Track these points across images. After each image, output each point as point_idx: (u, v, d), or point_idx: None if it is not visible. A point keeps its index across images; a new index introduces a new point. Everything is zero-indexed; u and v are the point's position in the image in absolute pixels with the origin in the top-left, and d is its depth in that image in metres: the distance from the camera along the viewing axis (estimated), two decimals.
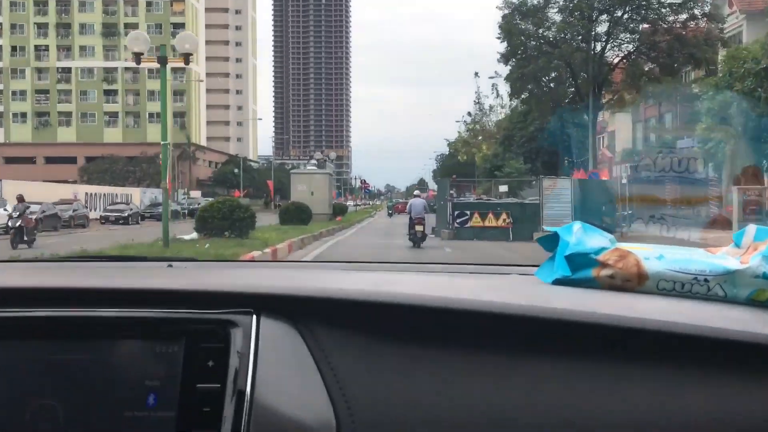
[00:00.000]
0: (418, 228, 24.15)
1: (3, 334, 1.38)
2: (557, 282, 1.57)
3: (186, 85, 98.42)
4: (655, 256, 1.50)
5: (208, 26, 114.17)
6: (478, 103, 68.01)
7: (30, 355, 1.37)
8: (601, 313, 1.33)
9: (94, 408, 1.32)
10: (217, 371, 1.32)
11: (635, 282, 1.49)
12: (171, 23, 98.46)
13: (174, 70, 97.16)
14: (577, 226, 1.61)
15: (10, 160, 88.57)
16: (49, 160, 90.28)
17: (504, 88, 55.70)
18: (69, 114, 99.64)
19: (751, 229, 1.52)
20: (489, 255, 21.17)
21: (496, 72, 58.69)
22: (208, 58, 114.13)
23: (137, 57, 14.84)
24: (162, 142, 15.38)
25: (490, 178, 51.15)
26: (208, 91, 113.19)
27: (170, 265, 1.99)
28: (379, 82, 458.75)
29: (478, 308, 1.36)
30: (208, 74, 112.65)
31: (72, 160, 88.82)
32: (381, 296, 1.40)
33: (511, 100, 51.07)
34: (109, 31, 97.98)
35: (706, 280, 1.44)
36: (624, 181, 33.88)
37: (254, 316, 1.37)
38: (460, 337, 1.35)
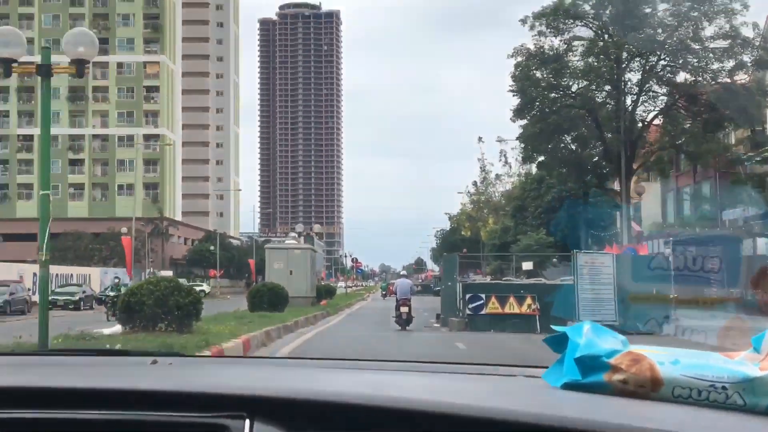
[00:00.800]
0: (403, 309, 24.64)
1: None
2: (566, 386, 1.54)
3: (159, 154, 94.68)
4: (670, 360, 1.49)
5: (185, 91, 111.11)
6: (483, 170, 64.04)
7: None
8: (614, 423, 1.30)
9: None
10: None
11: (649, 388, 1.47)
12: (144, 86, 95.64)
13: (147, 137, 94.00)
14: (587, 326, 1.59)
15: None
16: (7, 238, 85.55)
17: (513, 155, 52.03)
18: (30, 186, 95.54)
19: None
20: (516, 355, 16.91)
21: (499, 137, 55.05)
22: (185, 126, 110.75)
23: (7, 65, 10.74)
24: (41, 192, 10.92)
25: (499, 254, 46.88)
26: (185, 161, 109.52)
27: (155, 361, 1.94)
28: (373, 155, 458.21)
29: (483, 415, 1.33)
30: (185, 143, 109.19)
31: (32, 237, 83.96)
32: (380, 401, 1.39)
33: (523, 164, 46.91)
34: (76, 95, 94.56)
35: (724, 388, 1.42)
36: (670, 258, 29.55)
37: (247, 421, 1.34)
38: None
